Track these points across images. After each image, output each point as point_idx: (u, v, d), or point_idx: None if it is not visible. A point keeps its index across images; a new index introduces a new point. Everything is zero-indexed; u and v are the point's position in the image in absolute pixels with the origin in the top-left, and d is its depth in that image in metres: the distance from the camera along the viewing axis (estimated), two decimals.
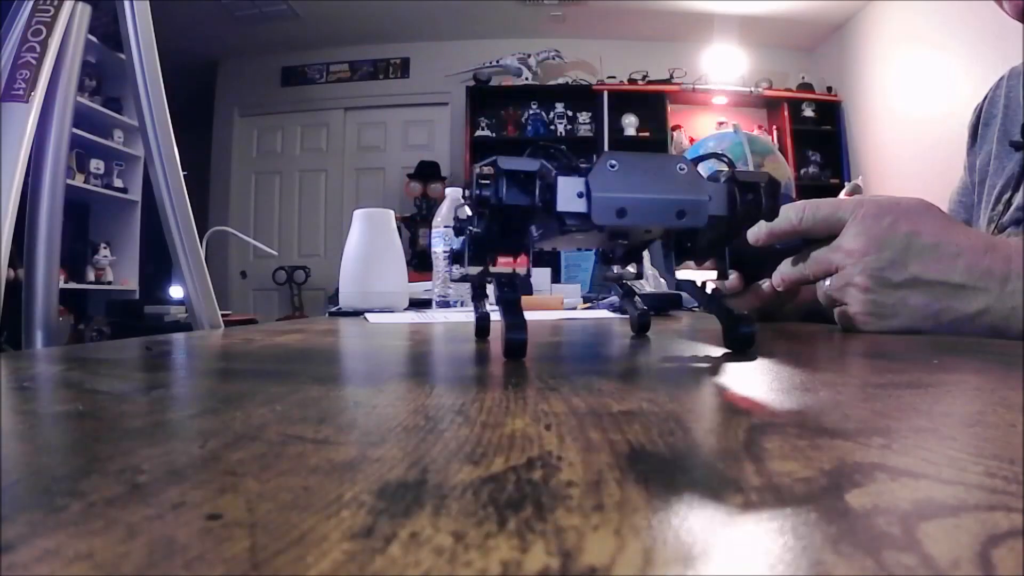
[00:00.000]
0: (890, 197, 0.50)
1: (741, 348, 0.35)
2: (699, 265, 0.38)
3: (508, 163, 0.27)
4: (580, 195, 0.26)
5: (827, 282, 0.52)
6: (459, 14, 4.38)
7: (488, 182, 0.28)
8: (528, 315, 0.34)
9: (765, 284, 0.59)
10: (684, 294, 1.05)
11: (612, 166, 0.27)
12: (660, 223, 0.27)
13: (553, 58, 4.60)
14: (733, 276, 0.60)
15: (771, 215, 0.31)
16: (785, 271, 0.54)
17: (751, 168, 1.20)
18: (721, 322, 0.36)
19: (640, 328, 0.49)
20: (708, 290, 0.38)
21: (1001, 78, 0.85)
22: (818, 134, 4.51)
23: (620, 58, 4.60)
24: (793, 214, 0.51)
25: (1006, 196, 0.75)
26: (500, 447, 0.15)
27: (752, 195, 0.30)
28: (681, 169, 0.28)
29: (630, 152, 0.28)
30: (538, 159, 0.28)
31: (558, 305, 1.06)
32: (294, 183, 4.98)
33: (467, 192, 0.29)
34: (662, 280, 1.37)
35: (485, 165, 0.28)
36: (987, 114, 0.85)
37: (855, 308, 0.50)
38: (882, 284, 0.48)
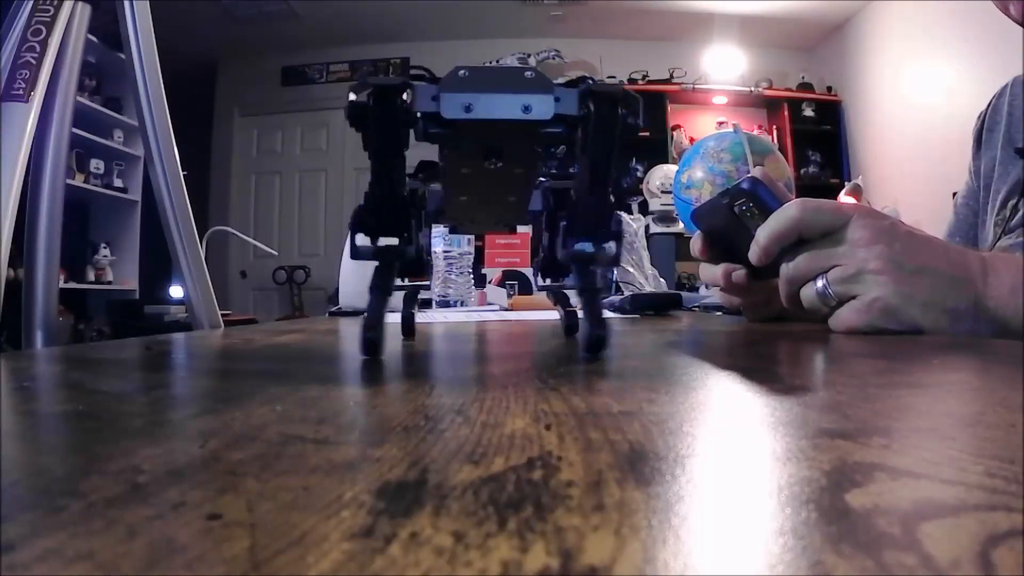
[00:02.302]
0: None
1: (594, 352, 0.34)
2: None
3: (377, 80, 0.30)
4: (434, 98, 0.29)
5: (819, 283, 0.52)
6: (459, 14, 4.38)
7: (361, 100, 0.30)
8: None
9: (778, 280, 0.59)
10: (683, 293, 1.05)
11: (463, 74, 0.29)
12: (506, 115, 0.29)
13: (553, 58, 4.60)
14: (741, 272, 0.59)
15: (631, 127, 0.31)
16: (787, 272, 0.54)
17: (751, 168, 1.20)
18: (585, 323, 0.36)
19: (567, 330, 0.49)
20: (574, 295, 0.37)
21: (1004, 86, 0.86)
22: (818, 134, 4.51)
23: (620, 58, 4.60)
24: (795, 210, 0.51)
25: (1012, 202, 0.77)
26: (500, 447, 0.15)
27: (609, 105, 0.30)
28: (529, 75, 0.30)
29: (481, 65, 0.31)
30: (403, 78, 0.30)
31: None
32: (294, 183, 4.98)
33: (345, 111, 0.31)
34: (662, 280, 1.36)
35: (358, 84, 0.30)
36: (990, 120, 0.86)
37: (872, 294, 0.49)
38: (899, 268, 0.49)
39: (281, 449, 0.15)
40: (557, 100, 0.29)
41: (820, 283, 0.52)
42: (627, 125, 0.31)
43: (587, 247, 0.36)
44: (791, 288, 0.54)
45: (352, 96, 0.30)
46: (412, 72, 0.33)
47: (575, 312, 0.50)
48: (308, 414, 0.20)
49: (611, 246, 0.36)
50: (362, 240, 0.35)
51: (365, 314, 0.34)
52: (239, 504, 0.11)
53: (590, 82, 0.31)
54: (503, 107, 0.29)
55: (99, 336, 3.26)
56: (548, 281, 0.48)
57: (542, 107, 0.29)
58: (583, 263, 0.37)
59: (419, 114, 0.29)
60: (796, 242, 0.53)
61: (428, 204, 0.38)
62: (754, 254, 0.54)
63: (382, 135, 0.31)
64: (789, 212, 0.52)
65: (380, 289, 0.35)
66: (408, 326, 0.49)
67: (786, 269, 0.53)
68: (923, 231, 0.53)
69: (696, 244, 0.63)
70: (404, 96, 0.29)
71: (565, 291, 0.50)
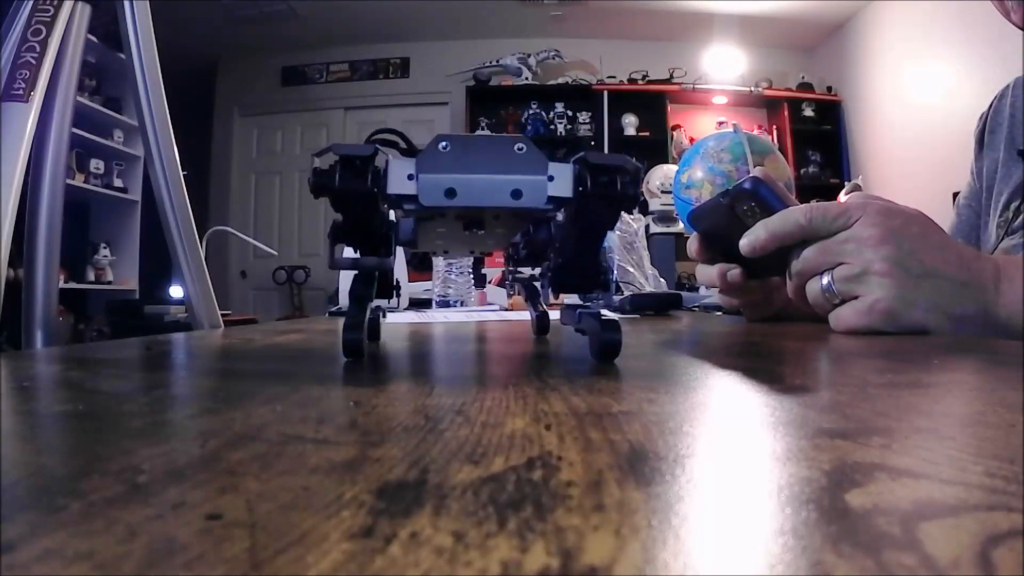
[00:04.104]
0: (893, 203, 0.52)
1: (607, 359, 0.32)
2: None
3: (344, 149, 0.26)
4: (411, 177, 0.26)
5: (824, 279, 0.52)
6: (459, 14, 4.38)
7: (326, 169, 0.27)
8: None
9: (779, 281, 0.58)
10: (683, 293, 1.05)
11: (444, 147, 0.26)
12: (494, 203, 0.26)
13: (553, 58, 4.60)
14: (736, 271, 0.59)
15: (631, 202, 0.27)
16: (796, 266, 0.53)
17: (751, 168, 1.20)
18: (592, 331, 0.34)
19: (539, 330, 0.49)
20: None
21: (1006, 87, 0.86)
22: (818, 134, 4.51)
23: (620, 58, 4.60)
24: (800, 216, 0.51)
25: (1015, 204, 0.77)
26: (500, 447, 0.15)
27: (607, 177, 0.27)
28: (520, 149, 0.27)
29: (466, 134, 0.28)
30: (374, 144, 0.27)
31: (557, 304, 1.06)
32: (294, 183, 4.97)
33: (309, 179, 0.27)
34: (662, 280, 1.35)
35: (322, 151, 0.27)
36: (992, 122, 0.86)
37: (874, 295, 0.49)
38: (904, 270, 0.48)
39: (281, 449, 0.15)
40: (550, 179, 0.26)
41: (825, 280, 0.51)
42: (627, 197, 0.27)
43: (574, 298, 0.34)
44: (800, 281, 0.54)
45: (316, 162, 0.27)
46: (382, 136, 0.30)
47: (547, 313, 0.50)
48: (308, 414, 0.20)
49: (599, 294, 0.35)
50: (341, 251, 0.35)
51: (344, 318, 0.33)
52: (239, 504, 0.11)
53: (584, 154, 0.27)
54: (490, 192, 0.26)
55: (99, 336, 3.26)
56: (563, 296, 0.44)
57: (534, 193, 0.26)
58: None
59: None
60: (801, 242, 0.52)
61: (400, 232, 0.35)
62: (746, 243, 0.53)
63: (351, 207, 0.28)
64: (795, 218, 0.51)
65: (360, 296, 0.34)
66: (370, 328, 0.48)
67: (795, 263, 0.53)
68: (941, 230, 0.52)
69: (692, 245, 0.63)
70: (376, 163, 0.26)
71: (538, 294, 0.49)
